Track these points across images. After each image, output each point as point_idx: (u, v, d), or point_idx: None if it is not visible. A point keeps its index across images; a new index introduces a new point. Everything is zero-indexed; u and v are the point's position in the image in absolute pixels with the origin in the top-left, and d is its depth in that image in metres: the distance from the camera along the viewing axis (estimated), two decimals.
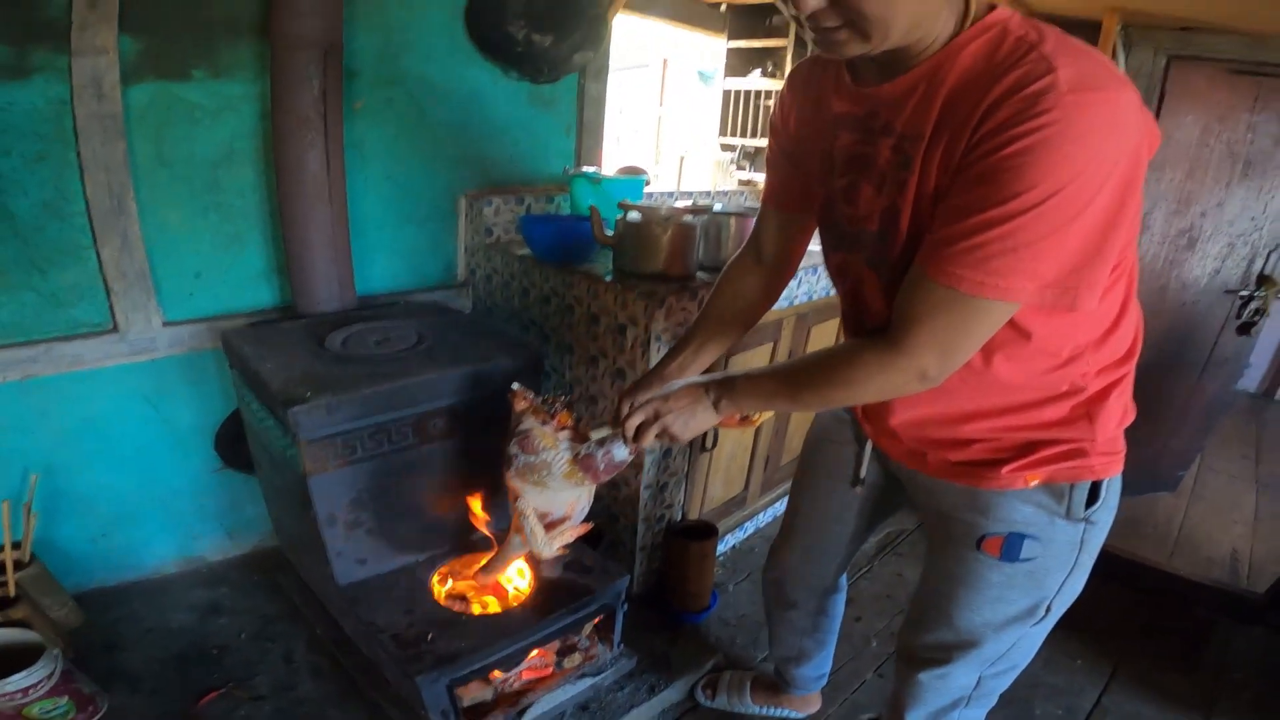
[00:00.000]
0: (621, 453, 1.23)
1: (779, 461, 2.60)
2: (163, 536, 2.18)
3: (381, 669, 1.74)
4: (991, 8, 0.92)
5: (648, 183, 2.60)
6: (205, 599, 2.12)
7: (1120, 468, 1.12)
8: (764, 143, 2.92)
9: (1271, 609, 2.40)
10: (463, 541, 1.88)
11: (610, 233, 2.08)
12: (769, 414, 1.25)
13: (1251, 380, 4.82)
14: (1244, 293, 2.78)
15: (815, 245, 1.29)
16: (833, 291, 1.63)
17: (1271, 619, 2.39)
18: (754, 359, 2.23)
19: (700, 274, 2.11)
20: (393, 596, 1.72)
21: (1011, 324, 0.96)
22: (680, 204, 2.23)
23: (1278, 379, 4.89)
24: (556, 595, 1.74)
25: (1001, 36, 0.88)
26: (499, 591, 1.80)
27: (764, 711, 1.91)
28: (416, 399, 1.67)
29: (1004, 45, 0.87)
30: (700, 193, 3.33)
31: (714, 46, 3.48)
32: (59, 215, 1.80)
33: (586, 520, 1.46)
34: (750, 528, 2.70)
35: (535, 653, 1.77)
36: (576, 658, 1.87)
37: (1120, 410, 1.10)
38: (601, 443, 1.25)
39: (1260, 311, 2.73)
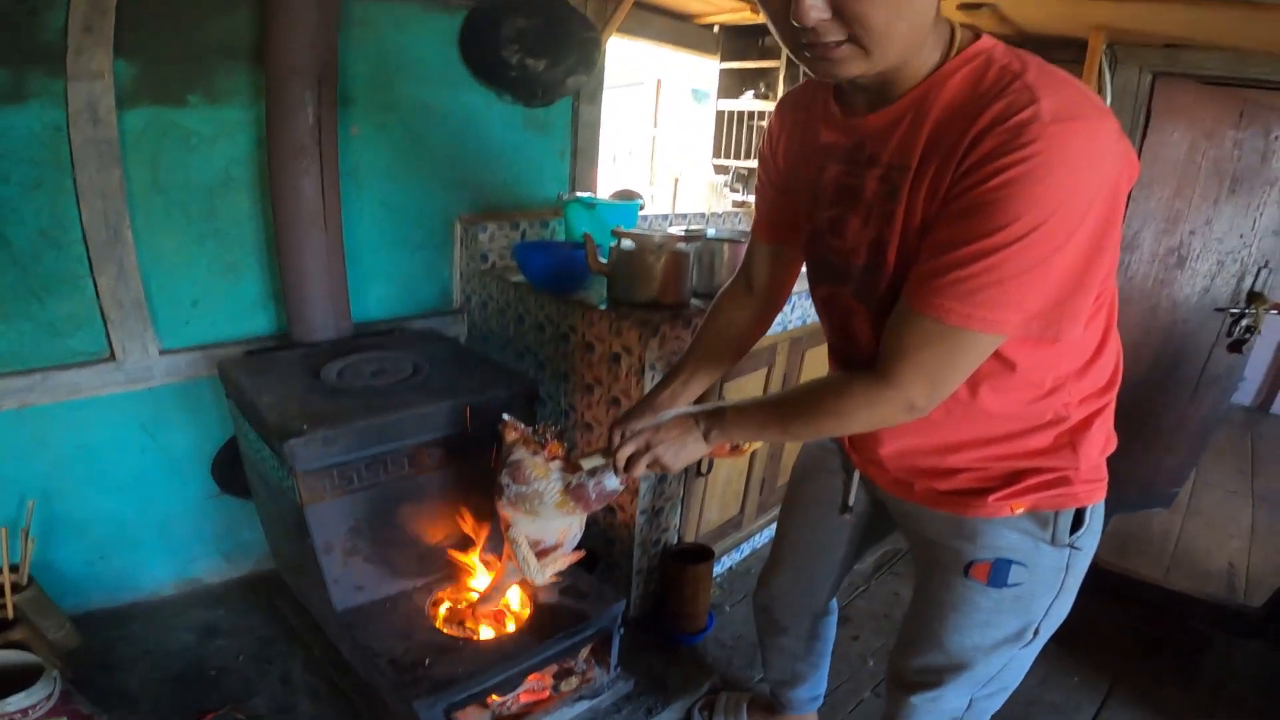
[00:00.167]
0: (613, 483, 1.25)
1: (774, 484, 2.61)
2: (160, 559, 2.18)
3: (379, 693, 1.74)
4: (976, 37, 0.93)
5: (642, 207, 2.61)
6: (203, 620, 2.12)
7: (1103, 494, 1.13)
8: (757, 164, 2.95)
9: (1269, 622, 2.40)
10: (459, 566, 1.88)
11: (604, 261, 2.09)
12: (759, 444, 1.26)
13: (1246, 394, 4.82)
14: (1234, 310, 2.80)
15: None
16: None
17: (1269, 632, 2.38)
18: (748, 384, 2.24)
19: (694, 301, 2.12)
20: (390, 621, 1.72)
21: (997, 355, 0.98)
22: (675, 227, 2.25)
23: (1272, 393, 4.90)
24: (553, 620, 1.75)
25: (985, 66, 0.89)
26: (496, 616, 1.80)
27: None
28: (412, 430, 1.68)
29: (988, 75, 0.88)
30: (695, 215, 3.36)
31: (707, 67, 3.50)
32: (56, 244, 1.81)
33: (579, 548, 1.47)
34: (747, 549, 2.70)
35: (532, 677, 1.77)
36: (574, 681, 1.87)
37: (1103, 438, 1.11)
38: (593, 473, 1.26)
39: (1251, 329, 2.74)
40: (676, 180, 3.28)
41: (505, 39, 2.28)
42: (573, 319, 2.12)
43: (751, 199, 3.56)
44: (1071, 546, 1.13)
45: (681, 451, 1.15)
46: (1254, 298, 2.76)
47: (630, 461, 1.18)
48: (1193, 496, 3.50)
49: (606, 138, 2.92)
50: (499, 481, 1.35)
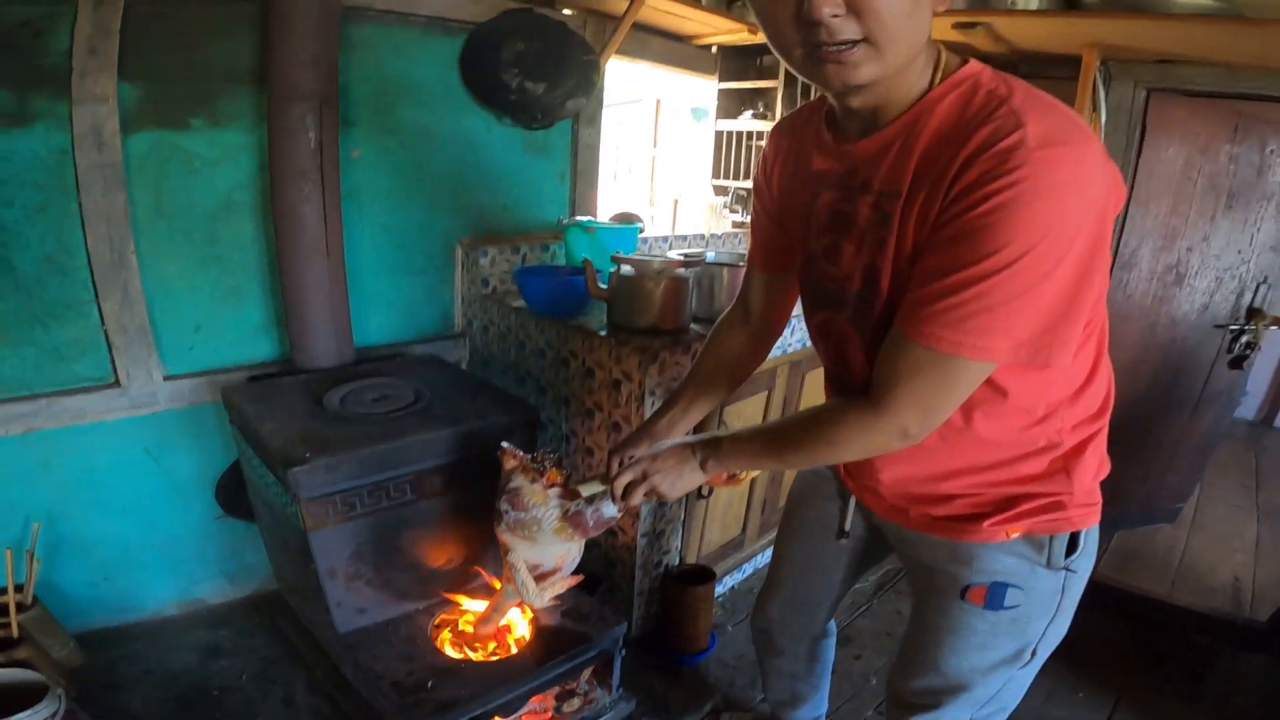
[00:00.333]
0: (610, 510, 1.26)
1: (775, 505, 2.61)
2: (163, 580, 2.19)
3: (382, 715, 1.74)
4: (964, 62, 0.94)
5: (642, 230, 2.63)
6: (206, 640, 2.13)
7: (1098, 518, 1.14)
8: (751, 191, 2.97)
9: (1274, 636, 2.39)
10: (462, 589, 1.89)
11: (604, 286, 2.11)
12: (756, 472, 1.27)
13: (1249, 408, 4.80)
14: (1234, 327, 2.79)
15: None
16: None
17: (1274, 646, 2.38)
18: (748, 408, 2.25)
19: (694, 326, 2.14)
20: (393, 644, 1.73)
21: (989, 382, 0.98)
22: (674, 250, 2.26)
23: (1275, 407, 4.88)
24: (555, 642, 1.75)
25: (973, 91, 0.90)
26: (498, 638, 1.80)
27: None
28: (414, 457, 1.70)
29: (975, 100, 0.89)
30: (694, 236, 3.37)
31: (706, 87, 3.53)
32: (61, 269, 1.83)
33: (577, 571, 1.48)
34: (749, 569, 2.69)
35: (535, 699, 1.77)
36: (575, 702, 1.87)
37: (1096, 463, 1.11)
38: (591, 500, 1.27)
39: (1251, 345, 2.74)
40: (676, 201, 3.30)
41: (504, 62, 2.30)
42: (573, 344, 2.13)
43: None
44: (1067, 569, 1.13)
45: (678, 481, 1.16)
46: (1253, 314, 2.75)
47: (628, 490, 1.19)
48: (1197, 511, 3.49)
49: (606, 156, 2.94)
50: (498, 508, 1.36)
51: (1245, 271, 2.76)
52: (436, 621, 1.83)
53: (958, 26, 2.33)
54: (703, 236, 3.40)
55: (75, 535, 1.99)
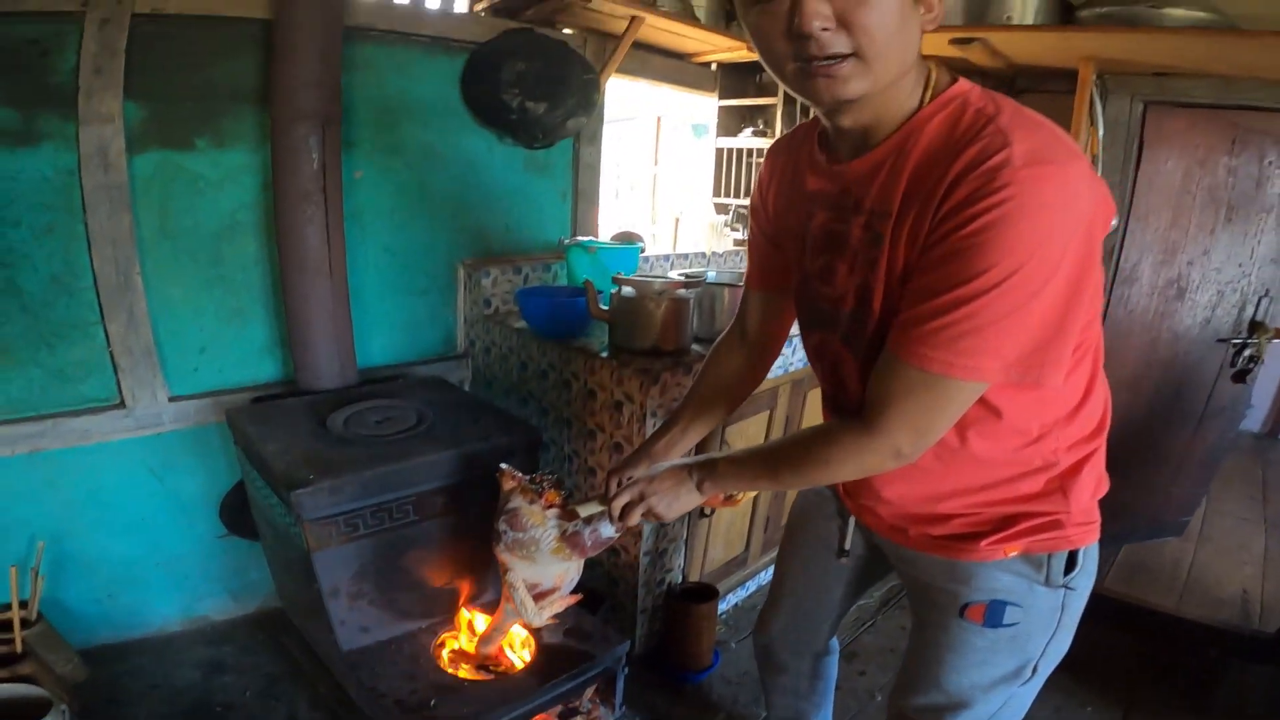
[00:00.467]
0: (608, 531, 1.26)
1: (779, 522, 2.60)
2: (167, 597, 2.20)
3: None
4: (954, 80, 0.95)
5: (643, 249, 2.64)
6: (210, 657, 2.13)
7: (1096, 536, 1.13)
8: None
9: None
10: (467, 604, 1.90)
11: (605, 307, 2.11)
12: (753, 494, 1.27)
13: (1255, 420, 4.76)
14: (1236, 341, 2.78)
15: None
16: None
17: None
18: (750, 427, 2.26)
19: (695, 346, 2.14)
20: (396, 662, 1.74)
21: (982, 402, 0.98)
22: (676, 269, 2.27)
23: None
24: (557, 661, 1.75)
25: (961, 110, 0.91)
26: (501, 657, 1.81)
27: None
28: (417, 479, 1.72)
29: (964, 119, 0.90)
30: (696, 254, 3.39)
31: (706, 104, 3.55)
32: (67, 290, 1.84)
33: (577, 590, 1.48)
34: (752, 586, 2.69)
35: (538, 717, 1.77)
36: None
37: (1093, 482, 1.11)
38: (589, 520, 1.28)
39: (1254, 359, 2.72)
40: (677, 220, 3.30)
41: (505, 82, 2.32)
42: (575, 366, 2.14)
43: None
44: (1066, 587, 1.13)
45: (675, 502, 1.17)
46: (1256, 327, 2.74)
47: (625, 511, 1.19)
48: (1204, 524, 3.47)
49: (607, 173, 2.96)
50: (496, 528, 1.37)
51: (1246, 285, 2.76)
52: (439, 640, 1.83)
53: (954, 42, 2.35)
54: (704, 255, 3.42)
55: (80, 553, 2.00)
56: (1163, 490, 3.09)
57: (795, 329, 1.40)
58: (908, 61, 0.91)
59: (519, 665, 1.77)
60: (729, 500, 1.25)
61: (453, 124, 2.38)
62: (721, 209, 3.67)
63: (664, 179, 4.31)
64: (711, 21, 2.68)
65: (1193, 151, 2.63)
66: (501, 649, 1.77)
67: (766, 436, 2.33)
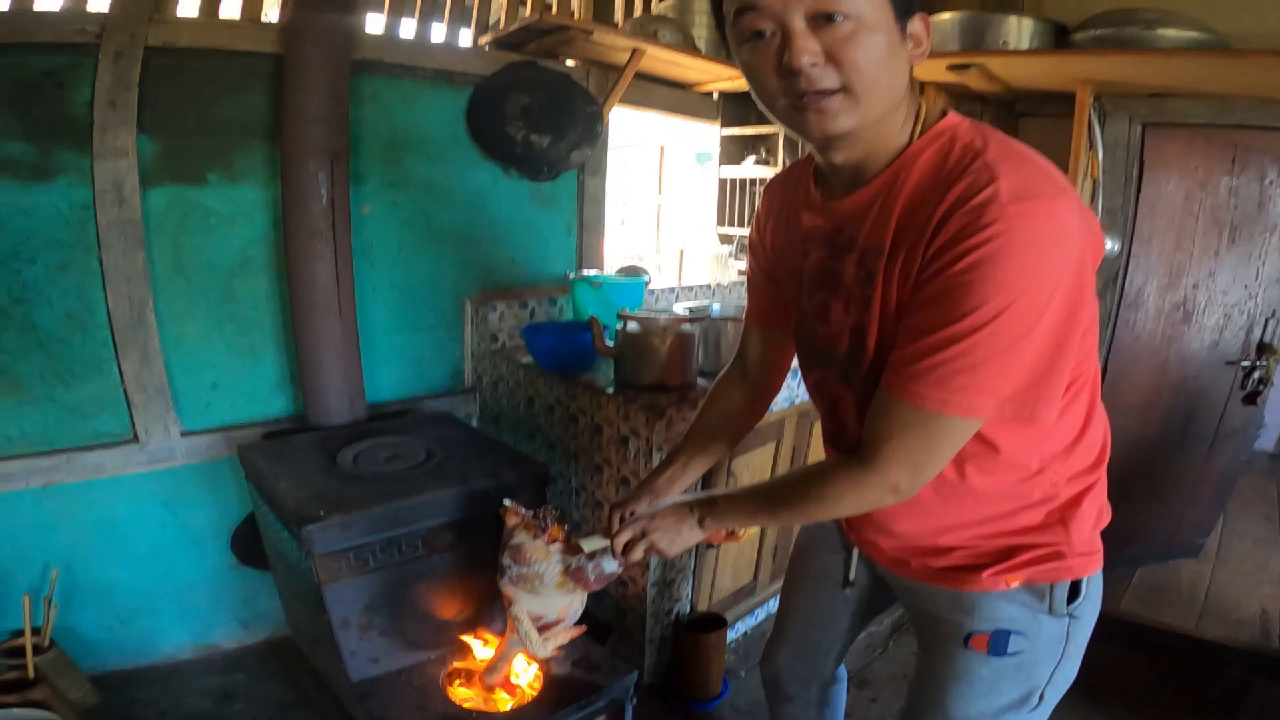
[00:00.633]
0: (611, 565, 1.27)
1: (787, 550, 2.58)
2: (178, 626, 2.21)
3: None
4: (944, 113, 0.96)
5: (648, 283, 2.65)
6: (220, 685, 2.15)
7: (1099, 566, 1.13)
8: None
9: None
10: (475, 631, 1.90)
11: (611, 343, 2.13)
12: (756, 529, 1.28)
13: (1268, 440, 4.70)
14: (1245, 363, 2.76)
15: None
16: None
17: None
18: (757, 459, 2.26)
19: (700, 380, 2.15)
20: (404, 693, 1.74)
21: (979, 438, 0.99)
22: (681, 302, 2.27)
23: None
24: (566, 691, 1.75)
25: (950, 144, 0.92)
26: (508, 688, 1.81)
27: None
28: (426, 515, 1.74)
29: (953, 153, 0.91)
30: (701, 287, 3.39)
31: (709, 132, 3.57)
32: (82, 327, 1.87)
33: (582, 620, 1.49)
34: (761, 614, 2.68)
35: None
36: None
37: (1094, 514, 1.11)
38: (592, 555, 1.29)
39: (1264, 381, 2.70)
40: (682, 252, 3.31)
41: (510, 115, 2.36)
42: (581, 401, 2.16)
43: None
44: (1070, 615, 1.13)
45: (677, 539, 1.18)
46: (1264, 349, 2.72)
47: (628, 547, 1.20)
48: (1221, 545, 3.42)
49: (612, 201, 2.98)
50: (501, 563, 1.38)
51: (1253, 307, 2.74)
52: (448, 670, 1.84)
53: (952, 68, 2.37)
54: (709, 287, 3.42)
55: (93, 582, 2.02)
56: (1177, 513, 3.06)
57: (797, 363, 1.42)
58: (896, 96, 0.92)
59: (529, 694, 1.78)
60: (731, 535, 1.26)
61: (458, 157, 2.41)
62: (725, 239, 3.69)
63: (668, 208, 4.32)
64: (712, 52, 2.72)
65: (1193, 172, 2.63)
66: (509, 679, 1.78)
67: (773, 467, 2.34)
